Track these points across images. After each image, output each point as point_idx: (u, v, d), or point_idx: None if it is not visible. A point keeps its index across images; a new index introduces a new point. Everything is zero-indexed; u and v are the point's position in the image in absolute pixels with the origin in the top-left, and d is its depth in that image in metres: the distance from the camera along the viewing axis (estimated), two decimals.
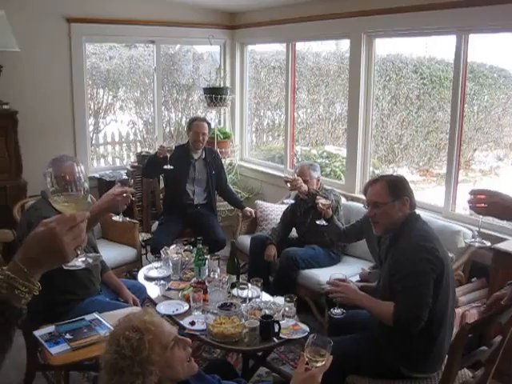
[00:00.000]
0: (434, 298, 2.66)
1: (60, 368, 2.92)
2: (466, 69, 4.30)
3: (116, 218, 3.12)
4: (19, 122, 5.08)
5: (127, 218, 3.31)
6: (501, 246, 3.68)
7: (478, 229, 2.83)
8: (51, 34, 5.55)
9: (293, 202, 4.69)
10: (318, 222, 3.84)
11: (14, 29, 4.99)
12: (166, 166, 4.74)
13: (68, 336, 2.86)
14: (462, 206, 4.38)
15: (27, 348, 3.42)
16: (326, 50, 7.46)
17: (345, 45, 6.55)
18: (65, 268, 1.35)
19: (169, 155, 4.72)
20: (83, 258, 1.43)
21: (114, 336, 1.81)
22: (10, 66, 5.15)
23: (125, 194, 2.89)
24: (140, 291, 3.74)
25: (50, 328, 2.97)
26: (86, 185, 1.41)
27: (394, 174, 3.04)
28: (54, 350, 2.78)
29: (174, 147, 4.79)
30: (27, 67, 5.38)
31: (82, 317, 3.05)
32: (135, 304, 3.54)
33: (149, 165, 5.13)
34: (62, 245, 1.23)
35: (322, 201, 3.81)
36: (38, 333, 2.96)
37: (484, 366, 2.70)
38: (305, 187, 4.38)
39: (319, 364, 1.89)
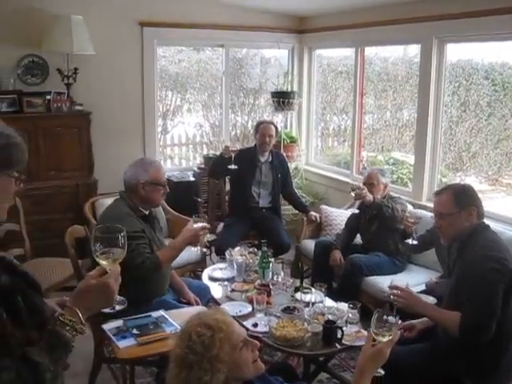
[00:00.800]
0: (503, 309, 2.59)
1: (126, 362, 2.99)
2: None
3: (194, 249, 3.43)
4: (92, 123, 5.26)
5: (204, 249, 3.82)
6: None
7: None
8: (124, 38, 5.73)
9: (357, 211, 4.65)
10: (409, 242, 3.69)
11: (91, 33, 5.18)
12: (230, 166, 4.83)
13: (135, 331, 2.93)
14: None
15: (95, 340, 3.53)
16: (393, 55, 7.37)
17: (413, 50, 6.46)
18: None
19: (233, 155, 4.81)
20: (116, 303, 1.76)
21: (185, 331, 1.84)
22: (86, 69, 5.35)
23: (203, 231, 3.27)
24: (204, 292, 3.79)
25: (118, 322, 3.04)
26: (121, 236, 1.68)
27: (462, 182, 2.98)
28: (122, 343, 2.85)
29: (238, 147, 4.88)
30: (101, 69, 5.56)
31: (149, 313, 3.12)
32: (197, 304, 3.60)
33: (214, 165, 5.22)
34: (113, 294, 1.57)
35: (410, 220, 3.73)
36: (106, 326, 3.04)
37: None
38: (370, 197, 4.34)
39: (386, 339, 1.88)
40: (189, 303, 3.57)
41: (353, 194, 4.40)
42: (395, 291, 2.91)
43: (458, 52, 6.05)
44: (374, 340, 1.90)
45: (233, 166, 4.83)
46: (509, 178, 6.85)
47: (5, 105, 4.93)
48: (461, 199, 2.83)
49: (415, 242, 3.56)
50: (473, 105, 6.62)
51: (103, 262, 1.64)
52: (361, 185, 4.41)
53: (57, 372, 1.44)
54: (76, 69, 5.24)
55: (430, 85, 4.93)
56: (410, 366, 2.80)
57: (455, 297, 2.74)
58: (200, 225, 3.28)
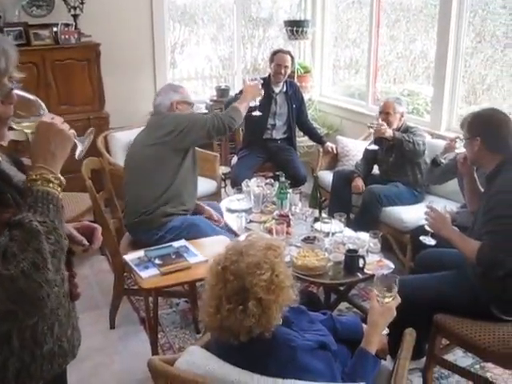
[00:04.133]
0: None
1: (149, 292, 2.98)
2: None
3: (254, 103, 3.86)
4: (102, 56, 5.13)
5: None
6: None
7: None
8: None
9: (376, 148, 4.46)
10: (421, 239, 3.29)
11: None
12: (254, 113, 4.63)
13: (157, 261, 2.92)
14: None
15: (115, 272, 3.55)
16: None
17: None
18: (78, 158, 1.56)
19: (258, 102, 4.58)
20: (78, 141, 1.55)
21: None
22: None
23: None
24: (217, 211, 3.87)
25: (140, 253, 3.04)
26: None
27: (491, 111, 2.86)
28: (145, 273, 2.85)
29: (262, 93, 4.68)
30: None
31: (170, 244, 3.11)
32: (219, 221, 3.70)
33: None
34: (63, 130, 1.43)
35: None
36: (127, 257, 3.04)
37: None
38: (389, 132, 4.24)
39: (387, 300, 2.04)
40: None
41: (371, 131, 4.30)
42: (429, 211, 2.88)
43: None
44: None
45: (257, 113, 4.66)
46: None
47: (11, 38, 4.78)
48: (471, 126, 2.79)
49: (432, 243, 3.21)
50: (488, 35, 6.41)
51: (24, 126, 1.47)
52: (380, 120, 4.30)
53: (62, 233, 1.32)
54: None
55: (450, 13, 4.81)
56: (433, 294, 2.80)
57: (481, 226, 2.68)
58: (256, 81, 3.78)
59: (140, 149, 3.51)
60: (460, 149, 3.41)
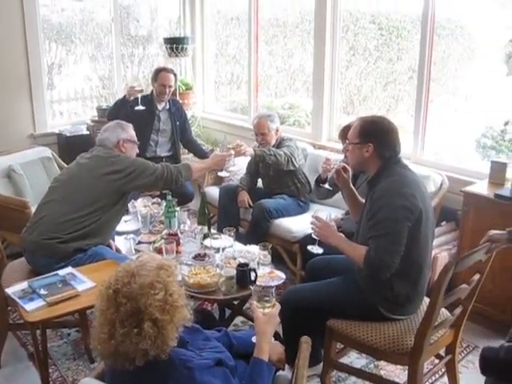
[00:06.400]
0: (412, 244, 2.65)
1: (35, 325, 2.80)
2: (433, 19, 4.35)
3: (222, 173, 4.02)
4: None
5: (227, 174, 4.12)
6: (470, 188, 3.74)
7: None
8: None
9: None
10: (325, 187, 3.50)
11: None
12: (137, 107, 4.67)
13: (43, 292, 2.77)
14: (432, 151, 4.43)
15: None
16: (283, 1, 7.31)
17: None
18: None
19: (139, 96, 4.73)
20: None
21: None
22: None
23: (228, 157, 3.84)
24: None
25: (23, 285, 2.87)
26: None
27: (384, 119, 2.94)
28: (29, 306, 2.68)
29: (143, 86, 4.73)
30: None
31: (56, 272, 2.97)
32: (117, 250, 3.56)
33: (115, 108, 4.99)
34: None
35: (328, 165, 3.65)
36: (9, 290, 2.86)
37: (462, 304, 2.77)
38: (250, 151, 4.22)
39: (267, 310, 2.15)
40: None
41: (232, 152, 4.28)
42: (314, 221, 2.93)
43: None
44: None
45: (140, 107, 4.66)
46: (397, 119, 7.05)
47: None
48: (364, 132, 2.82)
49: (319, 251, 3.14)
50: (361, 49, 6.72)
51: None
52: (238, 141, 4.28)
53: None
54: None
55: (325, 28, 4.99)
56: (324, 300, 2.86)
57: (368, 231, 2.77)
58: (226, 153, 3.86)
59: (83, 174, 3.41)
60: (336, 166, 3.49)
